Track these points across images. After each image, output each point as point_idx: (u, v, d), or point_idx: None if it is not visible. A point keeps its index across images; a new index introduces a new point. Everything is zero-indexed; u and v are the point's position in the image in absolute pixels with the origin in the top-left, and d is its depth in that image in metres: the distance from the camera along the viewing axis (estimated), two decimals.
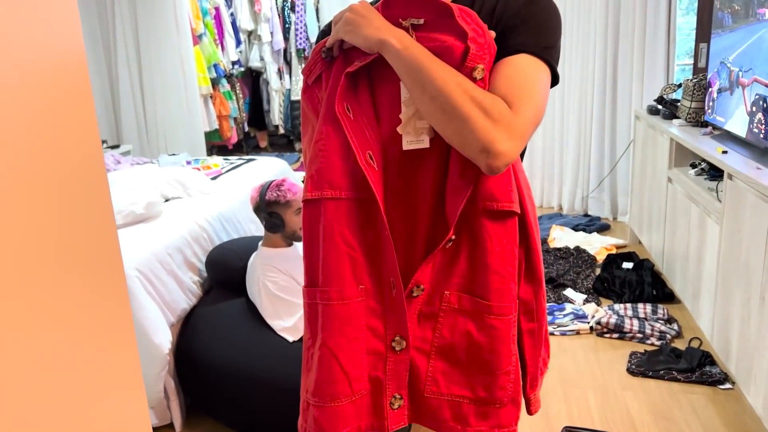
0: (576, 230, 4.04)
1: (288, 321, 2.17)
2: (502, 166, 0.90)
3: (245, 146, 6.50)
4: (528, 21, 0.98)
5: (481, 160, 0.90)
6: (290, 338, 2.15)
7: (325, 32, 1.11)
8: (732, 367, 2.26)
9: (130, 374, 0.61)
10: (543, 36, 0.98)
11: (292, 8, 5.90)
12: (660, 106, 3.42)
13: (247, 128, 6.33)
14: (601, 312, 2.91)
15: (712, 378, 2.40)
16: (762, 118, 2.33)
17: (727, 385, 2.37)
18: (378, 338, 1.02)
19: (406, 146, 0.99)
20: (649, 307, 2.94)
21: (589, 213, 4.41)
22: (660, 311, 2.90)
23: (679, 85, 3.36)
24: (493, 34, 0.97)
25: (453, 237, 0.99)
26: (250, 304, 2.30)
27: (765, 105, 2.31)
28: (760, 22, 2.41)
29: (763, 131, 2.32)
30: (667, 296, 3.06)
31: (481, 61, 0.94)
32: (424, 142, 0.99)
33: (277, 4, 5.89)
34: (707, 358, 2.50)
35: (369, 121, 1.00)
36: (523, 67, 0.95)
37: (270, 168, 3.47)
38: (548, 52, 0.97)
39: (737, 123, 2.58)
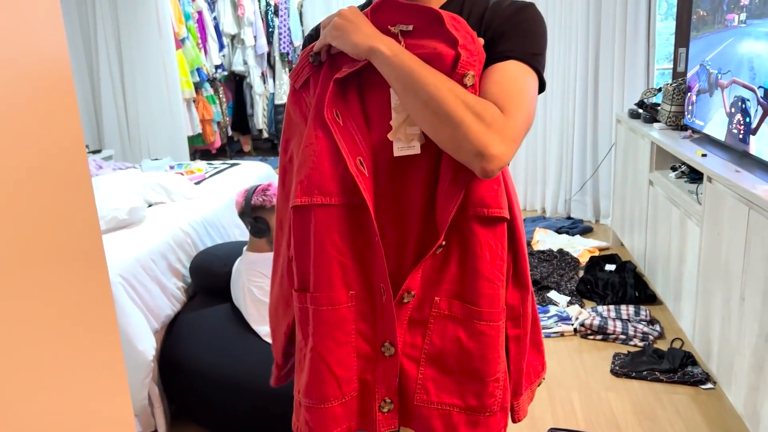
0: (559, 233, 4.07)
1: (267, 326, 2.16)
2: (496, 170, 0.90)
3: (229, 150, 6.47)
4: (516, 28, 0.99)
5: (476, 164, 0.90)
6: None
7: (312, 36, 1.11)
8: (713, 367, 2.29)
9: (115, 382, 0.60)
10: (531, 43, 0.99)
11: (276, 12, 5.90)
12: (641, 110, 3.46)
13: (230, 132, 6.30)
14: (584, 314, 2.94)
15: (694, 378, 2.43)
16: (740, 119, 2.38)
17: (709, 385, 2.40)
18: (368, 342, 1.02)
19: (397, 152, 0.99)
20: (631, 308, 2.97)
21: (572, 216, 4.45)
22: (642, 313, 2.93)
23: (659, 90, 3.40)
24: (481, 41, 0.98)
25: (443, 243, 0.99)
26: (234, 310, 2.29)
27: (743, 106, 2.35)
28: (728, 29, 2.46)
29: (741, 132, 2.36)
30: (650, 298, 3.09)
31: (471, 68, 0.94)
32: (415, 149, 0.99)
33: (260, 8, 5.88)
34: (689, 359, 2.53)
35: (359, 127, 0.99)
36: (513, 72, 0.96)
37: (254, 172, 3.46)
38: (536, 59, 0.98)
39: (716, 126, 2.62)
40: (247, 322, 2.21)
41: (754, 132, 2.26)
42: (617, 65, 4.09)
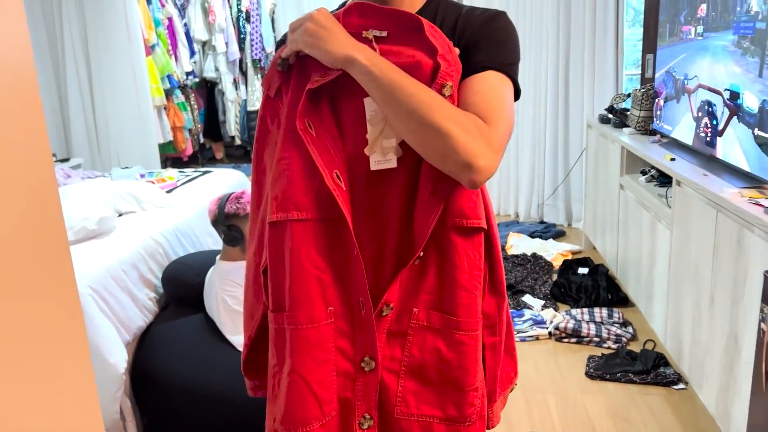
0: (532, 237, 4.11)
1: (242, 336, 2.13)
2: (483, 181, 0.90)
3: (201, 158, 6.40)
4: (491, 38, 0.99)
5: (464, 176, 0.89)
6: None
7: (284, 42, 1.07)
8: (685, 368, 2.33)
9: (85, 396, 0.59)
10: (506, 53, 0.99)
11: (247, 18, 5.87)
12: (610, 115, 3.52)
13: (202, 139, 6.24)
14: (558, 317, 2.96)
15: (666, 379, 2.47)
16: (707, 123, 2.43)
17: (681, 386, 2.44)
18: (347, 359, 1.00)
19: (374, 166, 0.97)
20: (604, 311, 3.01)
21: (545, 220, 4.49)
22: (615, 315, 2.97)
23: (628, 95, 3.47)
24: (457, 50, 0.97)
25: (421, 254, 0.98)
26: (208, 320, 2.26)
27: (710, 110, 2.41)
28: (684, 41, 2.52)
29: (709, 136, 2.42)
30: (622, 300, 3.14)
31: (450, 78, 0.93)
32: (392, 162, 0.97)
33: (231, 14, 5.84)
34: (661, 360, 2.57)
35: (333, 139, 0.97)
36: (492, 83, 0.95)
37: (227, 179, 3.42)
38: (511, 68, 0.99)
39: (684, 130, 2.67)
40: (221, 333, 2.18)
41: (721, 134, 2.31)
42: (587, 71, 4.15)
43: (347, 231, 0.97)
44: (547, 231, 4.22)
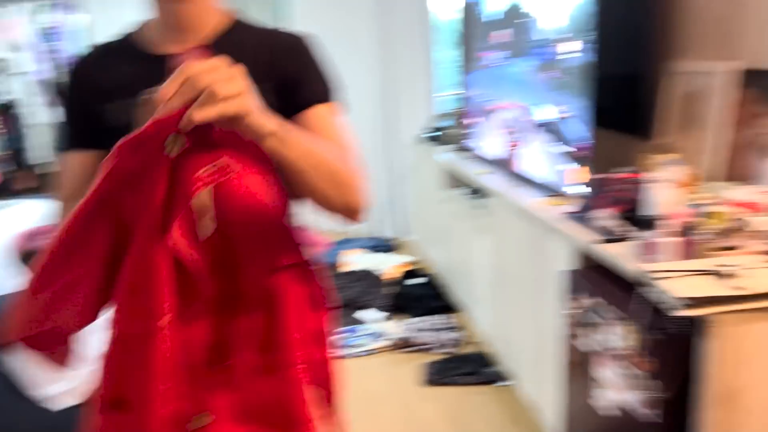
0: (368, 252, 4.22)
1: (52, 387, 1.92)
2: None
3: (8, 188, 5.75)
4: (310, 69, 0.99)
5: (358, 216, 0.91)
6: (57, 406, 1.90)
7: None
8: (508, 366, 2.53)
9: None
10: (328, 79, 1.01)
11: (54, 35, 5.41)
12: (430, 134, 3.74)
13: (9, 168, 5.62)
14: (396, 328, 3.06)
15: (493, 377, 2.65)
16: (510, 139, 2.68)
17: (506, 382, 2.63)
18: (184, 419, 0.94)
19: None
20: (439, 318, 3.16)
21: (379, 235, 4.64)
22: (448, 321, 3.14)
23: (447, 115, 3.71)
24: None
25: (249, 302, 0.95)
26: (3, 373, 2.00)
27: (512, 127, 2.66)
28: (489, 66, 2.78)
29: (512, 150, 2.66)
30: (453, 307, 3.32)
31: None
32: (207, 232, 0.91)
33: (42, 30, 5.35)
34: (489, 360, 2.76)
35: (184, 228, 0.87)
36: (331, 116, 0.97)
37: (34, 212, 3.10)
38: (337, 93, 1.00)
39: (492, 147, 2.92)
40: (20, 386, 1.94)
41: (520, 148, 2.56)
42: (407, 92, 4.39)
43: (201, 310, 0.91)
44: (382, 245, 4.36)
